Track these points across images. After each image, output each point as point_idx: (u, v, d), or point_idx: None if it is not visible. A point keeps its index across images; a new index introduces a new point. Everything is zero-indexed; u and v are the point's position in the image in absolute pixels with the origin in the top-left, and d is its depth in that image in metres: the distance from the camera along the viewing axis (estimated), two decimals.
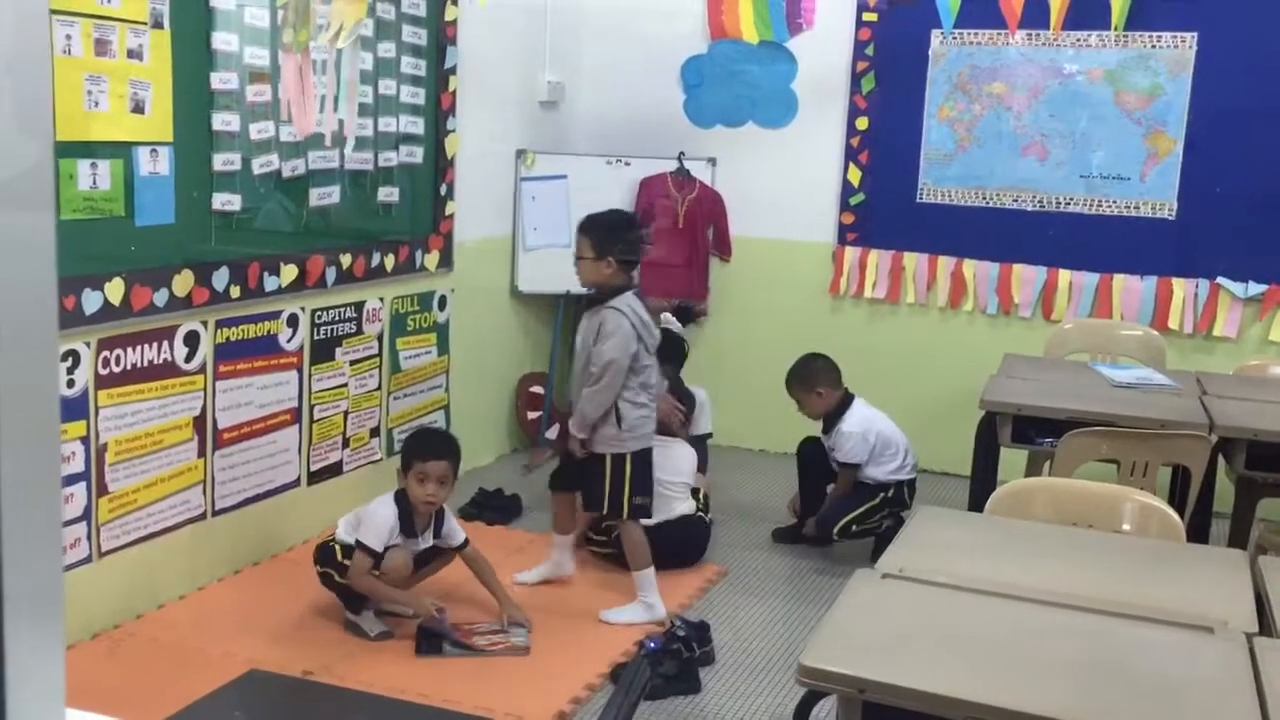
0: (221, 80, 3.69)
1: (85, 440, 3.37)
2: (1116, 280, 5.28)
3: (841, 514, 4.36)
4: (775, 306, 5.80)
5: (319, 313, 4.26)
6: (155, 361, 3.58)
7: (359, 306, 4.47)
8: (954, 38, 5.37)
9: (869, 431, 4.41)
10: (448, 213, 4.96)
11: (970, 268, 5.49)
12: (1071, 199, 5.32)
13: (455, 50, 4.87)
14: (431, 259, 4.88)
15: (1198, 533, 3.61)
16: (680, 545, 4.23)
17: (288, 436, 4.18)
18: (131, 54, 3.36)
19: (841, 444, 4.41)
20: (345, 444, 4.48)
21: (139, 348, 3.51)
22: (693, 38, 5.82)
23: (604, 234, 3.73)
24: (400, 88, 4.56)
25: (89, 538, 3.42)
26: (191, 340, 3.71)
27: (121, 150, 3.37)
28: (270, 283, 3.98)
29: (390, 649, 3.49)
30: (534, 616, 3.67)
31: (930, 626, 2.07)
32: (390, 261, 4.61)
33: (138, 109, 3.41)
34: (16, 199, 0.70)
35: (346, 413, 4.47)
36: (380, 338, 4.62)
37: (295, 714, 3.24)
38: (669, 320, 5.11)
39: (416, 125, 4.69)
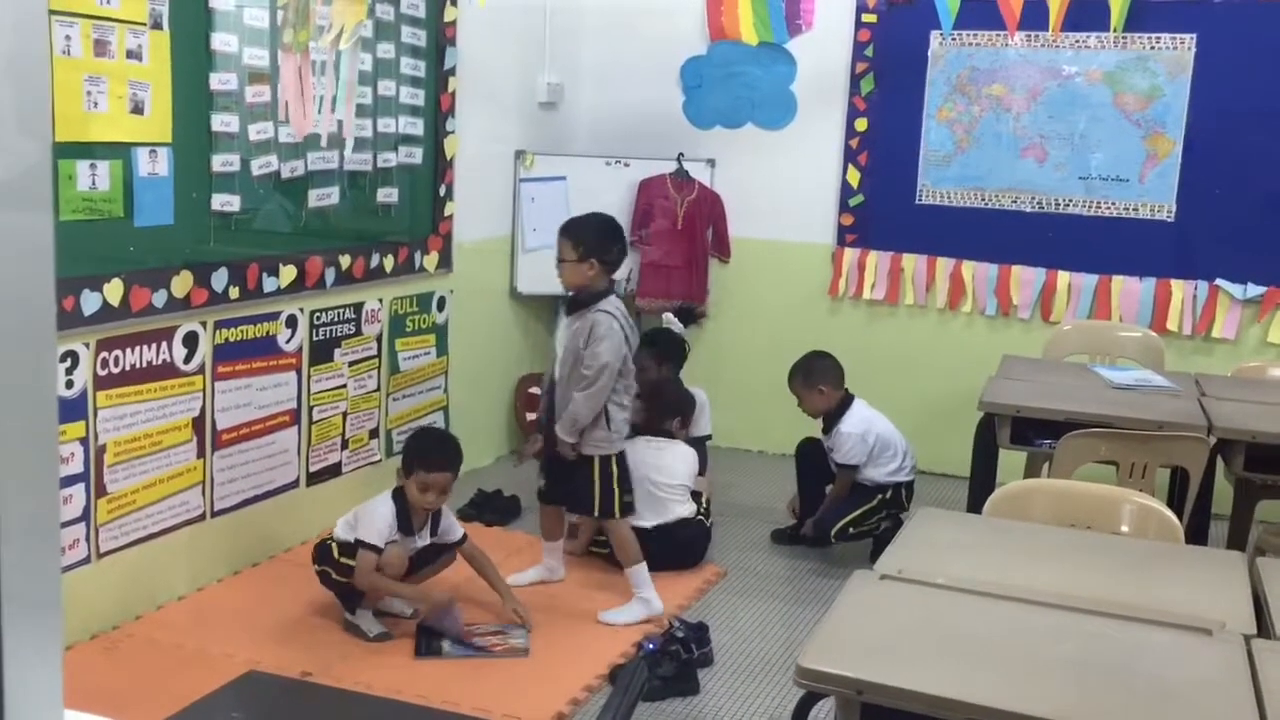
0: (221, 81, 3.69)
1: (84, 441, 3.37)
2: (1115, 282, 5.28)
3: (839, 516, 4.36)
4: (774, 308, 5.80)
5: (318, 314, 4.26)
6: (154, 362, 3.58)
7: (358, 307, 4.47)
8: (953, 39, 5.38)
9: (868, 433, 4.41)
10: (447, 214, 4.96)
11: (969, 269, 5.50)
12: (1070, 200, 5.32)
13: (454, 51, 4.87)
14: (430, 260, 4.88)
15: (1196, 534, 3.62)
16: (678, 549, 4.23)
17: (287, 437, 4.18)
18: (131, 55, 3.36)
19: (840, 445, 4.41)
20: (344, 445, 4.48)
21: (138, 348, 3.51)
22: (692, 39, 5.82)
23: (586, 236, 3.74)
24: (399, 89, 4.56)
25: (88, 539, 3.42)
26: (190, 341, 3.70)
27: (120, 151, 3.37)
28: (269, 284, 3.98)
29: (389, 650, 3.49)
30: (532, 618, 3.67)
31: (928, 628, 2.07)
32: (389, 262, 4.61)
33: (137, 110, 3.41)
34: (15, 199, 0.70)
35: (345, 414, 4.47)
36: (379, 339, 4.62)
37: (294, 715, 3.24)
38: (670, 321, 5.11)
39: (416, 126, 4.69)
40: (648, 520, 4.19)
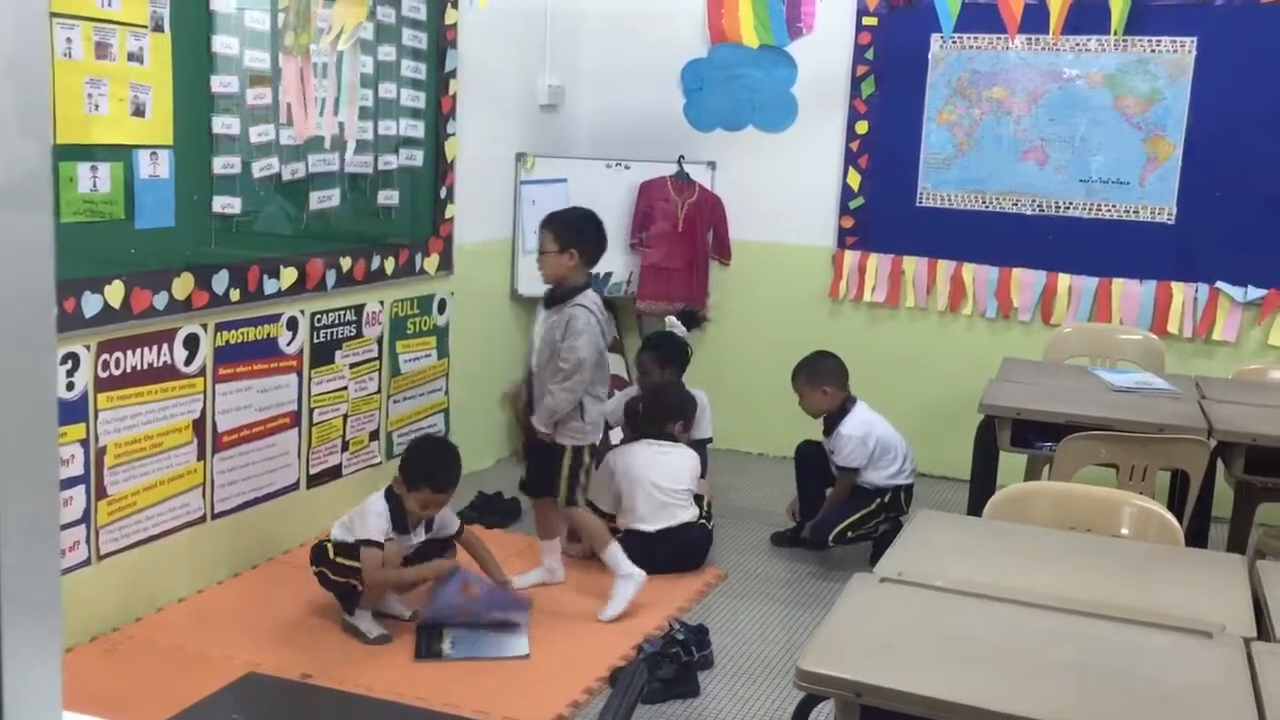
0: (222, 83, 3.70)
1: (84, 443, 3.37)
2: (1116, 284, 5.28)
3: (837, 520, 4.36)
4: (775, 310, 5.80)
5: (319, 316, 4.26)
6: (155, 364, 3.58)
7: (359, 310, 4.48)
8: (954, 42, 5.38)
9: (869, 436, 4.41)
10: (447, 216, 4.96)
11: (970, 271, 5.50)
12: (1071, 203, 5.32)
13: (455, 54, 4.87)
14: (431, 262, 4.88)
15: (1196, 537, 3.62)
16: (680, 552, 4.24)
17: (287, 440, 4.18)
18: (132, 57, 3.37)
19: (841, 447, 4.41)
20: (345, 447, 4.48)
21: (139, 350, 3.52)
22: (693, 41, 5.83)
23: (567, 228, 3.82)
24: (400, 91, 4.56)
25: (88, 540, 3.42)
26: (191, 343, 3.71)
27: (122, 153, 3.38)
28: (270, 286, 3.98)
29: (389, 652, 3.49)
30: (533, 621, 3.67)
31: (928, 630, 2.07)
32: (390, 265, 4.61)
33: (138, 112, 3.41)
34: (15, 201, 0.70)
35: (346, 416, 4.47)
36: (380, 341, 4.62)
37: (294, 717, 3.24)
38: (673, 324, 5.12)
39: (416, 128, 4.69)
40: (651, 524, 4.19)
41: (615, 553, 3.89)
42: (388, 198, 4.58)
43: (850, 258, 5.67)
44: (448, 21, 4.80)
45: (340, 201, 4.29)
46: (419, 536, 3.63)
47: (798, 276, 5.77)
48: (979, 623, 2.10)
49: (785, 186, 5.75)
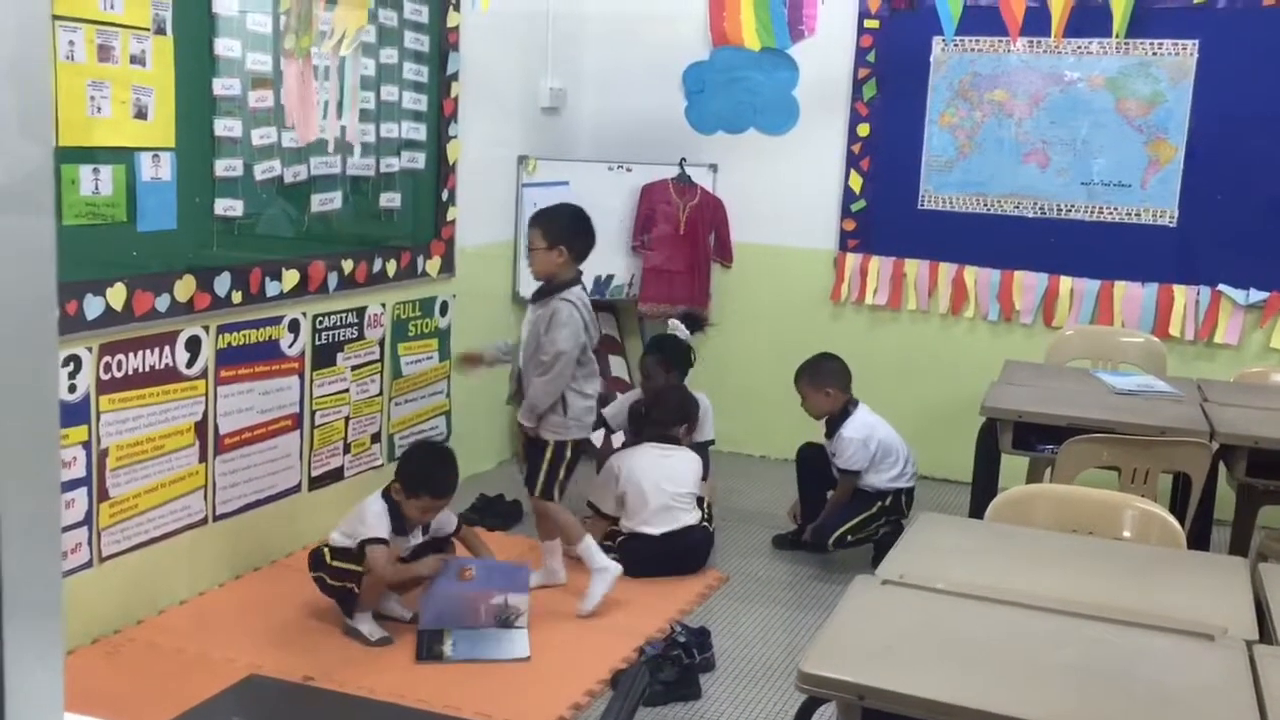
0: (224, 86, 3.70)
1: (86, 445, 3.37)
2: (1118, 287, 5.28)
3: (838, 524, 4.36)
4: (776, 313, 5.80)
5: (320, 318, 4.27)
6: (157, 367, 3.59)
7: (360, 312, 4.48)
8: (955, 45, 5.38)
9: (870, 438, 4.41)
10: (449, 218, 4.96)
11: (971, 274, 5.50)
12: (1073, 206, 5.32)
13: (457, 56, 4.88)
14: (433, 265, 4.88)
15: (1198, 540, 3.62)
16: (684, 554, 4.25)
17: (289, 442, 4.18)
18: (134, 60, 3.37)
19: (843, 450, 4.41)
20: (346, 449, 4.48)
21: (140, 353, 3.52)
22: (694, 44, 5.83)
23: (555, 224, 3.85)
24: (402, 93, 4.57)
25: (90, 543, 3.42)
26: (193, 345, 3.71)
27: (124, 156, 3.38)
28: (272, 288, 3.99)
29: (390, 654, 3.49)
30: (534, 622, 3.67)
31: (930, 633, 2.07)
32: (392, 267, 4.61)
33: (140, 114, 3.41)
34: (17, 203, 0.70)
35: (348, 418, 4.47)
36: (382, 343, 4.62)
37: (295, 719, 3.24)
38: (676, 327, 5.12)
39: (418, 131, 4.69)
40: (655, 527, 4.19)
41: (589, 547, 3.91)
42: (389, 200, 4.58)
43: (852, 260, 5.67)
44: (449, 24, 4.81)
45: (342, 204, 4.29)
46: (416, 538, 3.64)
47: (799, 279, 5.77)
48: (981, 625, 2.10)
49: (787, 189, 5.75)
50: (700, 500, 4.41)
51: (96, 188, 3.30)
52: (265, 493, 4.10)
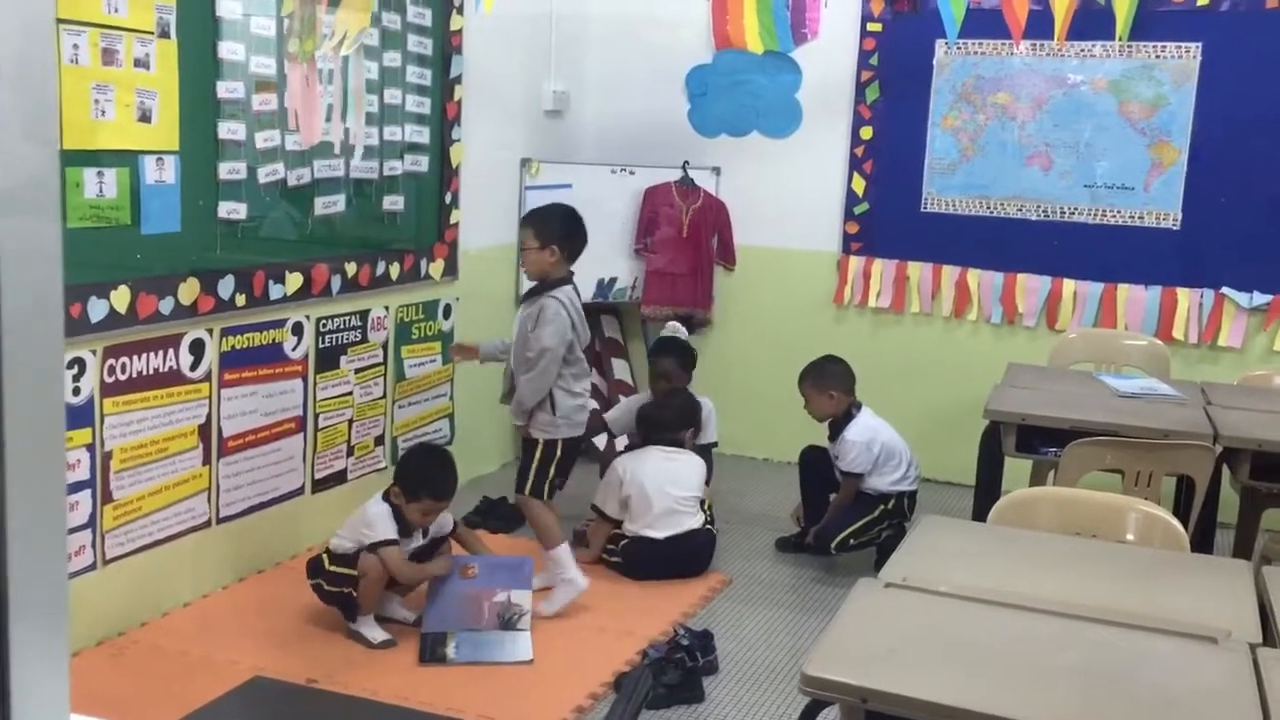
0: (227, 89, 3.71)
1: (90, 448, 3.38)
2: (1121, 290, 5.27)
3: (840, 528, 4.36)
4: (779, 316, 5.80)
5: (324, 321, 4.27)
6: (161, 369, 3.59)
7: (364, 315, 4.48)
8: (958, 48, 5.38)
9: (873, 441, 4.41)
10: (452, 221, 4.97)
11: (974, 277, 5.50)
12: (1076, 209, 5.32)
13: (460, 59, 4.88)
14: (436, 267, 4.89)
15: (1202, 543, 3.61)
16: (687, 558, 4.25)
17: (292, 444, 4.19)
18: (138, 63, 3.38)
19: (846, 453, 4.41)
20: (350, 452, 4.49)
21: (144, 355, 3.52)
22: (697, 47, 5.83)
23: (546, 224, 3.88)
24: (406, 97, 4.57)
25: (94, 545, 3.43)
26: (197, 348, 3.71)
27: (128, 159, 3.39)
28: (275, 291, 3.99)
29: (393, 657, 3.49)
30: (537, 625, 3.67)
31: (933, 636, 2.07)
32: (395, 270, 4.62)
33: (144, 118, 3.42)
34: (23, 207, 0.70)
35: (351, 421, 4.48)
36: (385, 346, 4.62)
37: None
38: (677, 329, 5.13)
39: (422, 134, 4.70)
40: (659, 531, 4.19)
41: (563, 555, 3.91)
42: (393, 203, 4.58)
43: (855, 263, 5.67)
44: (453, 27, 4.81)
45: (345, 207, 4.30)
46: (417, 541, 3.65)
47: (802, 282, 5.77)
48: (984, 628, 2.10)
49: (790, 192, 5.75)
50: (703, 503, 4.40)
51: (101, 190, 3.30)
52: (269, 495, 4.10)
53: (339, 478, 4.43)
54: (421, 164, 4.72)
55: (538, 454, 3.89)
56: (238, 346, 3.88)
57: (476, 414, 5.25)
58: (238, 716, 3.17)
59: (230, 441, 3.89)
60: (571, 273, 3.92)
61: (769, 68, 5.73)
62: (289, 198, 4.03)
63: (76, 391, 3.30)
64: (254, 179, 3.85)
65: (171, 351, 3.62)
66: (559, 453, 3.89)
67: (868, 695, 1.85)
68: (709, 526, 4.35)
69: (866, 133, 5.61)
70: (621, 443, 4.88)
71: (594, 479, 4.59)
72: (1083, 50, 5.22)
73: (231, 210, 3.78)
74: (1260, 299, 5.08)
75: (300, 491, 4.25)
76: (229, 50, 3.69)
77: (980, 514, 3.55)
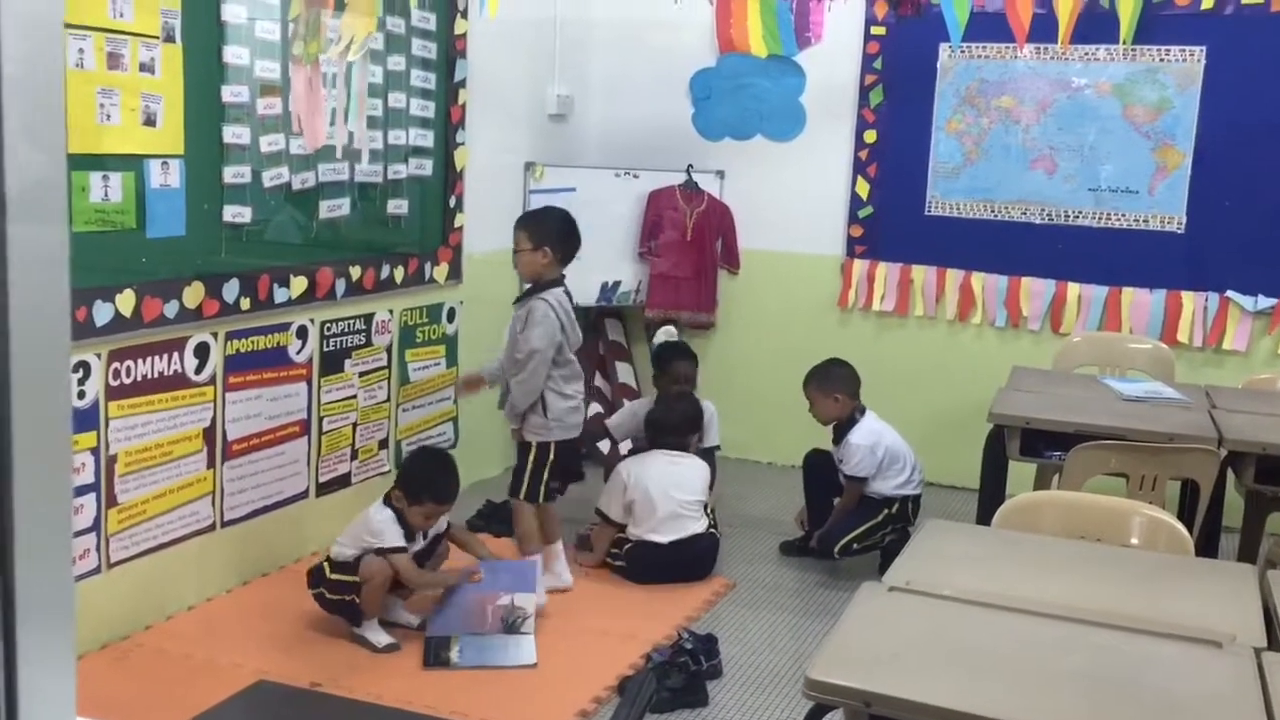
0: (232, 93, 3.72)
1: (95, 451, 3.38)
2: (1125, 293, 5.27)
3: (844, 532, 4.35)
4: (783, 319, 5.80)
5: (328, 324, 4.28)
6: (165, 373, 3.60)
7: (368, 318, 4.49)
8: (962, 51, 5.38)
9: (877, 445, 4.41)
10: (457, 225, 4.97)
11: (979, 280, 5.49)
12: (1080, 212, 5.31)
13: (465, 63, 4.89)
14: (440, 271, 4.89)
15: (1207, 547, 3.60)
16: (691, 562, 4.25)
17: (297, 448, 4.19)
18: (143, 67, 3.39)
19: (850, 456, 4.41)
20: (354, 455, 4.49)
21: (149, 359, 3.53)
22: (701, 51, 5.84)
23: (540, 226, 3.91)
24: (410, 101, 4.58)
25: (98, 549, 3.43)
26: (201, 352, 3.72)
27: (133, 163, 3.39)
28: (280, 294, 4.00)
29: (397, 660, 3.50)
30: (541, 628, 3.67)
31: (937, 640, 2.07)
32: (399, 273, 4.62)
33: (149, 122, 3.43)
34: (30, 212, 0.71)
35: (355, 424, 4.48)
36: (389, 349, 4.63)
37: None
38: (671, 333, 5.14)
39: (426, 138, 4.71)
40: (664, 535, 4.19)
41: (537, 566, 3.92)
42: (397, 207, 4.59)
43: (859, 267, 5.67)
44: (457, 31, 4.82)
45: (350, 210, 4.30)
46: (419, 544, 3.66)
47: (806, 285, 5.77)
48: (988, 632, 2.09)
49: (794, 195, 5.76)
50: (707, 507, 4.40)
51: (106, 194, 3.31)
52: (273, 499, 4.10)
53: (343, 481, 4.44)
54: (426, 168, 4.73)
55: (531, 457, 3.91)
56: (242, 350, 3.89)
57: (480, 418, 5.25)
58: None
59: (235, 445, 3.90)
60: (563, 275, 3.94)
61: (773, 71, 5.73)
62: (293, 201, 4.03)
63: (81, 395, 3.31)
64: (258, 183, 3.85)
65: (176, 355, 3.63)
66: (552, 455, 3.91)
67: (871, 699, 1.85)
68: (713, 530, 4.35)
69: (870, 136, 5.61)
70: (625, 447, 4.87)
71: (598, 483, 4.60)
72: (1087, 53, 5.22)
73: (236, 214, 3.78)
74: (1265, 302, 5.08)
75: (304, 495, 4.26)
76: (234, 54, 3.70)
77: (984, 518, 3.54)
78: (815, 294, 5.77)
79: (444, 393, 5.03)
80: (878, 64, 5.55)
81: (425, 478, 3.62)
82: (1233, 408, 3.98)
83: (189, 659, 3.43)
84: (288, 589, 3.93)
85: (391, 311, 4.62)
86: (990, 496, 3.83)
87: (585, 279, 5.58)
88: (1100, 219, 5.29)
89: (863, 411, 4.50)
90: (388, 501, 3.61)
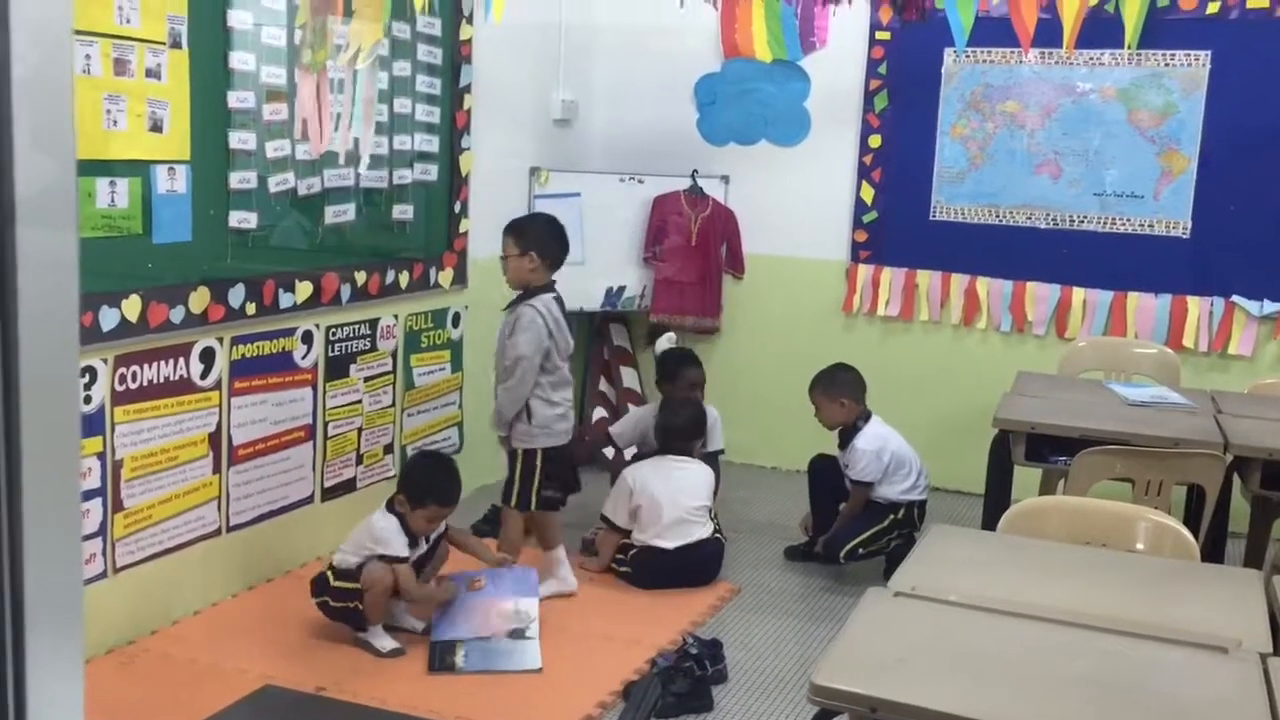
0: (239, 99, 3.73)
1: (101, 456, 3.39)
2: (1131, 298, 5.27)
3: (849, 537, 4.35)
4: (788, 324, 5.80)
5: (333, 330, 4.28)
6: (171, 378, 3.60)
7: (373, 323, 4.49)
8: (967, 56, 5.39)
9: (884, 450, 4.40)
10: (462, 230, 4.98)
11: (984, 285, 5.49)
12: (1085, 217, 5.31)
13: (470, 69, 4.90)
14: (446, 276, 4.90)
15: (1212, 552, 3.60)
16: (697, 567, 4.25)
17: (302, 453, 4.19)
18: (150, 73, 3.40)
19: (856, 461, 4.40)
20: (359, 460, 4.50)
21: (155, 364, 3.54)
22: (706, 56, 5.84)
23: (526, 231, 3.91)
24: (415, 106, 4.59)
25: (104, 553, 3.44)
26: (207, 357, 3.73)
27: (139, 169, 3.40)
28: (285, 300, 4.00)
29: (402, 665, 3.50)
30: (545, 633, 3.66)
31: (942, 645, 2.06)
32: (405, 279, 4.63)
33: (156, 128, 3.44)
34: (40, 217, 0.71)
35: (360, 429, 4.48)
36: (394, 354, 4.63)
37: None
38: (672, 339, 5.15)
39: (431, 143, 4.71)
40: (669, 541, 4.19)
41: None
42: (402, 212, 4.60)
43: (864, 271, 5.67)
44: (462, 37, 4.83)
45: (355, 216, 4.31)
46: (422, 549, 3.66)
47: (811, 290, 5.77)
48: (993, 637, 2.09)
49: (798, 200, 5.76)
50: (711, 512, 4.40)
51: (113, 200, 3.32)
52: (278, 504, 4.11)
53: (348, 486, 4.44)
54: (431, 173, 4.73)
55: (519, 465, 3.91)
56: (248, 355, 3.89)
57: (485, 422, 5.25)
58: None
59: (240, 450, 3.90)
60: (554, 282, 3.94)
61: (778, 76, 5.74)
62: (299, 207, 4.04)
63: (88, 400, 3.32)
64: (264, 188, 3.86)
65: (182, 360, 3.63)
66: (539, 462, 3.90)
67: (877, 705, 1.84)
68: (718, 536, 4.35)
69: (875, 141, 5.61)
70: (629, 453, 4.87)
71: (604, 489, 4.60)
72: (1092, 58, 5.22)
73: (242, 219, 3.79)
74: (1271, 307, 5.07)
75: (310, 500, 4.26)
76: (240, 60, 3.71)
77: (990, 523, 3.55)
78: (820, 299, 5.77)
79: (449, 397, 5.04)
80: (882, 69, 5.56)
81: (428, 481, 3.62)
82: (1238, 412, 3.97)
83: (194, 664, 3.43)
84: (293, 594, 3.93)
85: (396, 316, 4.62)
86: (995, 501, 3.83)
87: (590, 284, 5.59)
88: (1105, 224, 5.28)
89: (868, 416, 4.49)
90: (390, 507, 3.61)
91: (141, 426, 3.51)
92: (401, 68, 4.48)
